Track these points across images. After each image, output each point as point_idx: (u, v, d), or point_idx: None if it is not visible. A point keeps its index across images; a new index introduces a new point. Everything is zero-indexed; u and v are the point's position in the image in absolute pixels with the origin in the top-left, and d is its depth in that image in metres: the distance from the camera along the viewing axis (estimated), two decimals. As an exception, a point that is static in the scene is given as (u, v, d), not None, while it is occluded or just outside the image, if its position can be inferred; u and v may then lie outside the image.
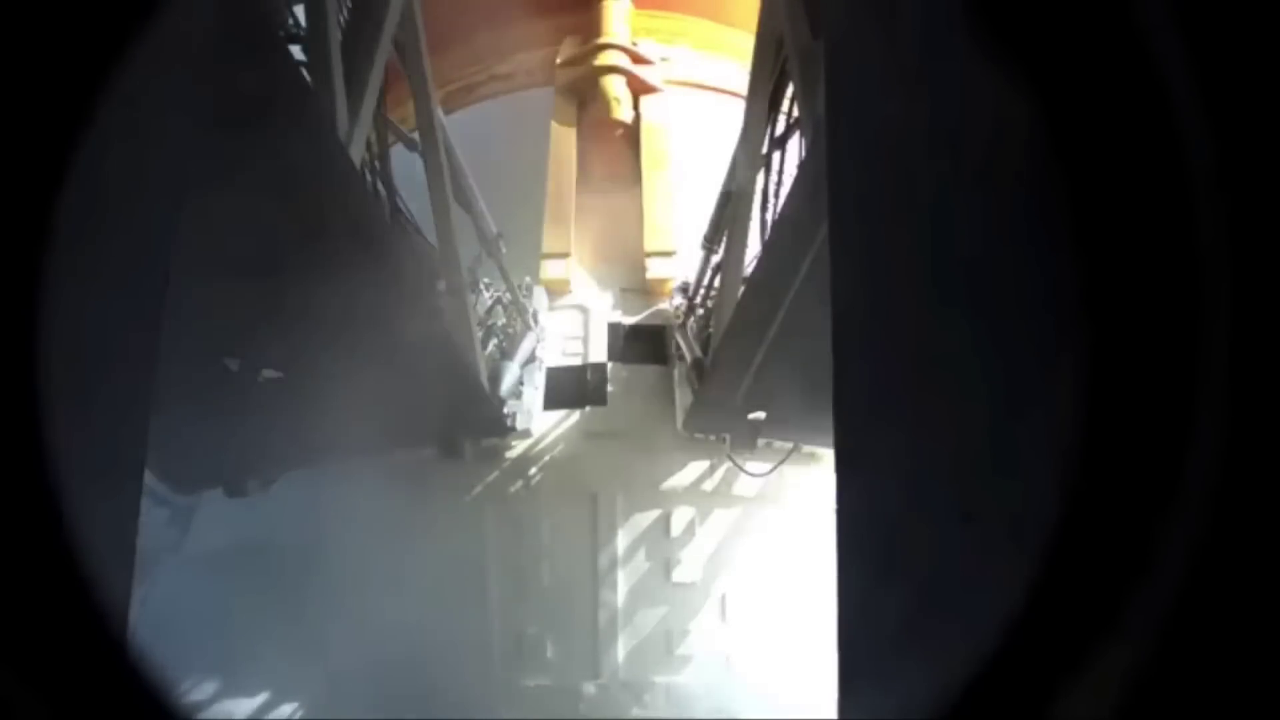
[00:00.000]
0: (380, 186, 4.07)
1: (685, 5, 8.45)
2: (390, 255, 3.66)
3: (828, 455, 5.65)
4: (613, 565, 5.26)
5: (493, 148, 7.18)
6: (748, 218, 4.57)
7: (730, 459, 5.34)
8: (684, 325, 6.06)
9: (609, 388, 5.98)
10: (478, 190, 5.56)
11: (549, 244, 6.63)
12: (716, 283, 5.30)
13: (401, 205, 4.45)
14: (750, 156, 4.44)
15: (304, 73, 3.05)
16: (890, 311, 1.48)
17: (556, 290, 6.52)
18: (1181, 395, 0.91)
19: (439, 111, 4.85)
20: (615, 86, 7.32)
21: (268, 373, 3.99)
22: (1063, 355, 1.03)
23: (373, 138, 3.90)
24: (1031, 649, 0.99)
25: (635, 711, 5.00)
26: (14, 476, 1.03)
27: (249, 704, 5.12)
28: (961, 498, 1.25)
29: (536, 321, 6.18)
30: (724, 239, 5.07)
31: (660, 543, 5.33)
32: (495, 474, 5.49)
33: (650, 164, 7.03)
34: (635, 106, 7.37)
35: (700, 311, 5.90)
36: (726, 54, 7.97)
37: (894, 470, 1.42)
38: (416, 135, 4.77)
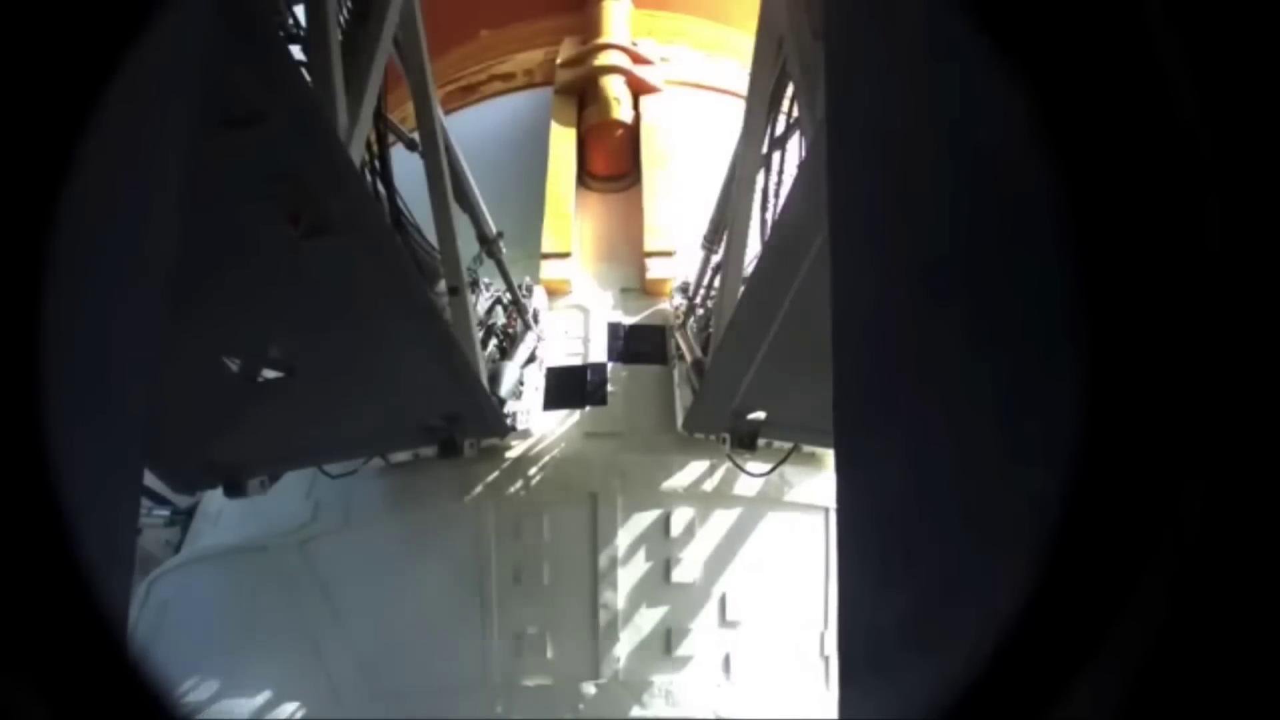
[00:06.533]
0: (380, 186, 4.07)
1: (685, 5, 8.45)
2: (390, 255, 3.66)
3: (828, 455, 5.66)
4: (613, 565, 5.25)
5: (493, 148, 7.18)
6: (748, 218, 4.57)
7: (730, 459, 5.34)
8: (684, 325, 6.05)
9: (609, 388, 5.98)
10: (478, 190, 5.56)
11: (549, 244, 6.63)
12: (716, 283, 5.30)
13: (401, 205, 4.45)
14: (750, 156, 4.44)
15: (304, 73, 3.06)
16: (890, 311, 1.48)
17: (556, 290, 6.51)
18: (1184, 395, 0.91)
19: (439, 111, 4.85)
20: (615, 86, 7.31)
21: (267, 372, 3.98)
22: (1064, 354, 1.03)
23: (372, 138, 3.90)
24: (1032, 649, 0.99)
25: (635, 711, 4.99)
26: (13, 476, 1.03)
27: (249, 704, 5.12)
28: (961, 498, 1.25)
29: (536, 321, 6.17)
30: (724, 239, 5.07)
31: (660, 543, 5.32)
32: (495, 473, 5.48)
33: (650, 164, 7.02)
34: (635, 106, 7.36)
35: (700, 311, 5.89)
36: (726, 54, 7.97)
37: (894, 470, 1.42)
38: (416, 135, 4.77)
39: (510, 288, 5.98)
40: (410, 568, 5.33)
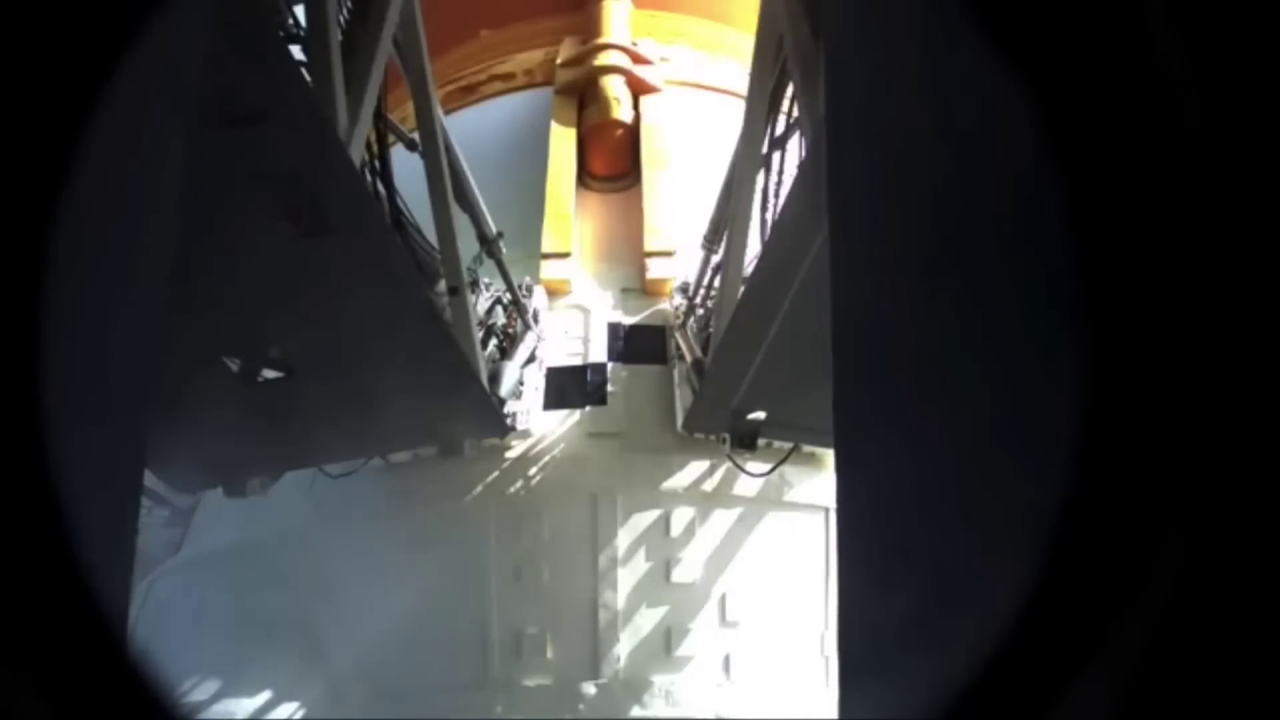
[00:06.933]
0: (380, 186, 4.07)
1: (685, 5, 8.47)
2: (390, 255, 3.66)
3: (828, 455, 5.66)
4: (613, 565, 5.25)
5: (493, 148, 7.18)
6: (748, 218, 4.57)
7: (730, 459, 5.34)
8: (684, 325, 6.06)
9: (609, 388, 5.98)
10: (478, 190, 5.56)
11: (549, 244, 6.64)
12: (716, 283, 5.30)
13: (401, 205, 4.45)
14: (750, 156, 4.44)
15: (304, 73, 3.05)
16: (890, 311, 1.48)
17: (556, 290, 6.52)
18: (1185, 394, 0.91)
19: (439, 111, 4.85)
20: (615, 86, 7.32)
21: (267, 373, 3.99)
22: (1064, 354, 1.03)
23: (372, 138, 3.89)
24: (1032, 649, 0.99)
25: (635, 711, 4.99)
26: (14, 477, 1.03)
27: (249, 704, 5.12)
28: (961, 498, 1.25)
29: (536, 321, 6.18)
30: (724, 239, 5.07)
31: (660, 543, 5.33)
32: (495, 473, 5.49)
33: (650, 164, 7.03)
34: (635, 106, 7.37)
35: (700, 311, 5.90)
36: (726, 54, 7.98)
37: (894, 470, 1.42)
38: (416, 135, 4.77)
39: (510, 288, 5.98)
40: (410, 568, 5.33)
